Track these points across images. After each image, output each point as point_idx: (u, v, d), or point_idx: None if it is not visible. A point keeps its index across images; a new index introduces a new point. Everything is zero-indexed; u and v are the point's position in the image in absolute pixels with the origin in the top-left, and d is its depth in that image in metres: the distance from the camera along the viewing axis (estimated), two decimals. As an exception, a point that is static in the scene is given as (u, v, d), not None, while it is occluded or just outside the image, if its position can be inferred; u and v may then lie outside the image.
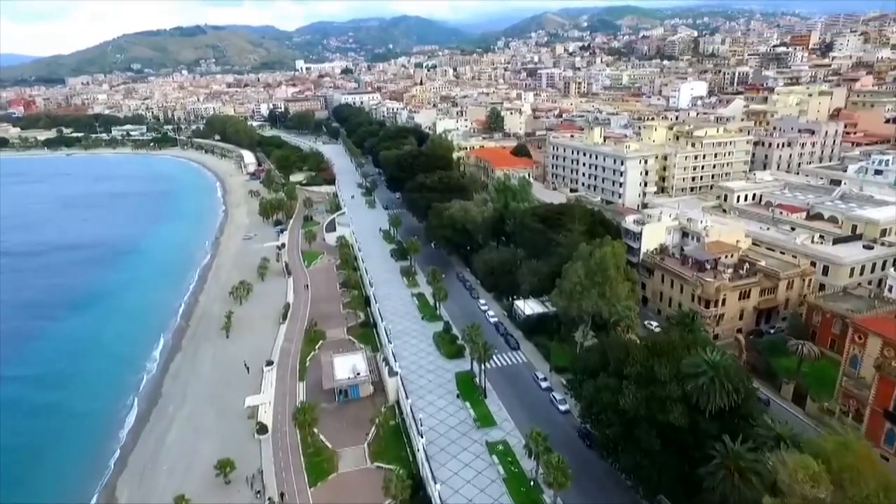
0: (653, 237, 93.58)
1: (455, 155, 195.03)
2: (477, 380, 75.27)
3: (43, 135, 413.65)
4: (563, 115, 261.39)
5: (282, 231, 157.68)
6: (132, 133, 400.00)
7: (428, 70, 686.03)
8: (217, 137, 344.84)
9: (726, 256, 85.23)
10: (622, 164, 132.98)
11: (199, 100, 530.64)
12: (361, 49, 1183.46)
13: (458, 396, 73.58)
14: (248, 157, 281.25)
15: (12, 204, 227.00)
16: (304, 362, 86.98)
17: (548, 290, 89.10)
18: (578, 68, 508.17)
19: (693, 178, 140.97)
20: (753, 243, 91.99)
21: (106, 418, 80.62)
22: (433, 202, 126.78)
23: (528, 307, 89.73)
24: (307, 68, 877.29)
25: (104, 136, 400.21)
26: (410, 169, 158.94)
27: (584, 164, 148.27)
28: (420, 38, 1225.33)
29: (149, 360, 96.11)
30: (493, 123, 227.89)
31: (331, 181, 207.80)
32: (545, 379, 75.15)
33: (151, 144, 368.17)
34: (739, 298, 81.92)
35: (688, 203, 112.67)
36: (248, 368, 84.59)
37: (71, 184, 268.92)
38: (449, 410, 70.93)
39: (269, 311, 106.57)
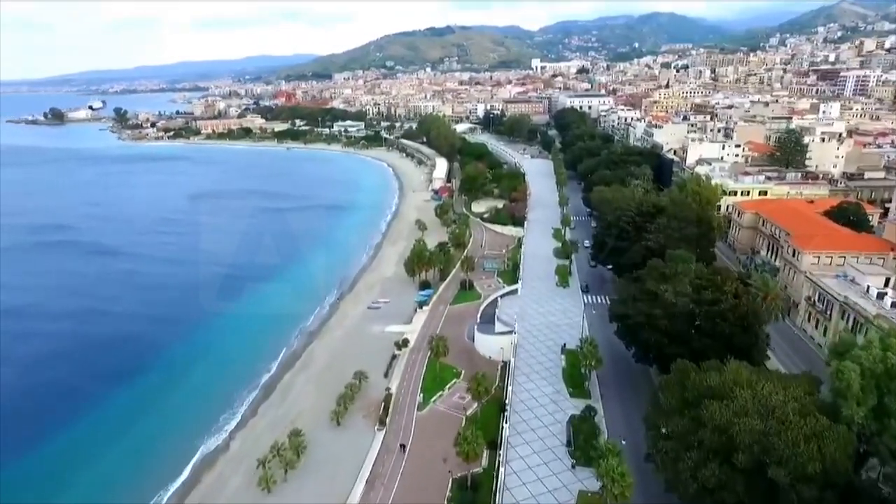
0: None
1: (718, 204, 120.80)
2: None
3: (280, 127, 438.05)
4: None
5: (422, 305, 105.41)
6: (350, 129, 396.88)
7: (677, 71, 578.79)
8: (423, 140, 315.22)
9: None
10: None
11: (426, 97, 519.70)
12: (603, 48, 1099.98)
13: None
14: (441, 168, 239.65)
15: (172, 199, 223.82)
16: None
17: None
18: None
19: None
20: None
21: None
22: (673, 346, 60.37)
23: None
24: (542, 67, 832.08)
25: (325, 130, 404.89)
26: (637, 236, 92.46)
27: None
28: (671, 36, 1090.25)
29: None
30: (787, 154, 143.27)
31: (520, 221, 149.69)
32: None
33: (362, 142, 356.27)
34: None
35: None
36: None
37: (257, 181, 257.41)
38: None
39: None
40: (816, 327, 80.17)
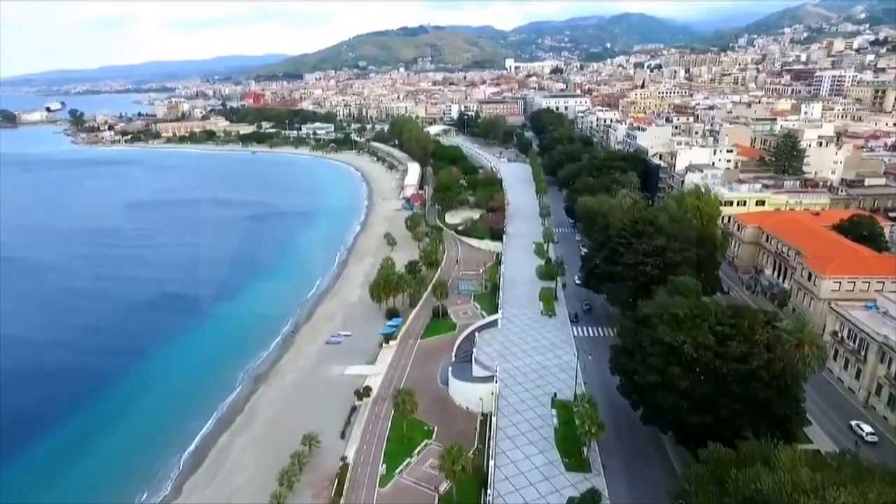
0: None
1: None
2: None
3: (246, 129, 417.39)
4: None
5: (388, 338, 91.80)
6: (318, 132, 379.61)
7: (651, 71, 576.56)
8: (395, 143, 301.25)
9: None
10: None
11: (399, 97, 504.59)
12: (576, 48, 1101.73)
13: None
14: (412, 174, 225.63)
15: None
16: None
17: None
18: (881, 69, 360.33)
19: None
20: None
21: None
22: (695, 414, 48.34)
23: None
24: (516, 67, 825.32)
25: (293, 133, 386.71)
26: (629, 252, 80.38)
27: None
28: (642, 37, 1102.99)
29: None
30: (783, 159, 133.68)
31: (498, 234, 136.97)
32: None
33: (331, 146, 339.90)
34: None
35: None
36: None
37: (214, 187, 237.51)
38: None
39: None
40: (846, 368, 69.08)
